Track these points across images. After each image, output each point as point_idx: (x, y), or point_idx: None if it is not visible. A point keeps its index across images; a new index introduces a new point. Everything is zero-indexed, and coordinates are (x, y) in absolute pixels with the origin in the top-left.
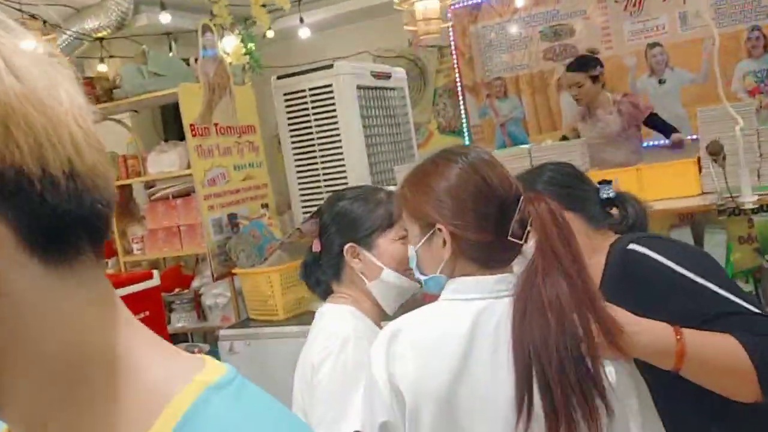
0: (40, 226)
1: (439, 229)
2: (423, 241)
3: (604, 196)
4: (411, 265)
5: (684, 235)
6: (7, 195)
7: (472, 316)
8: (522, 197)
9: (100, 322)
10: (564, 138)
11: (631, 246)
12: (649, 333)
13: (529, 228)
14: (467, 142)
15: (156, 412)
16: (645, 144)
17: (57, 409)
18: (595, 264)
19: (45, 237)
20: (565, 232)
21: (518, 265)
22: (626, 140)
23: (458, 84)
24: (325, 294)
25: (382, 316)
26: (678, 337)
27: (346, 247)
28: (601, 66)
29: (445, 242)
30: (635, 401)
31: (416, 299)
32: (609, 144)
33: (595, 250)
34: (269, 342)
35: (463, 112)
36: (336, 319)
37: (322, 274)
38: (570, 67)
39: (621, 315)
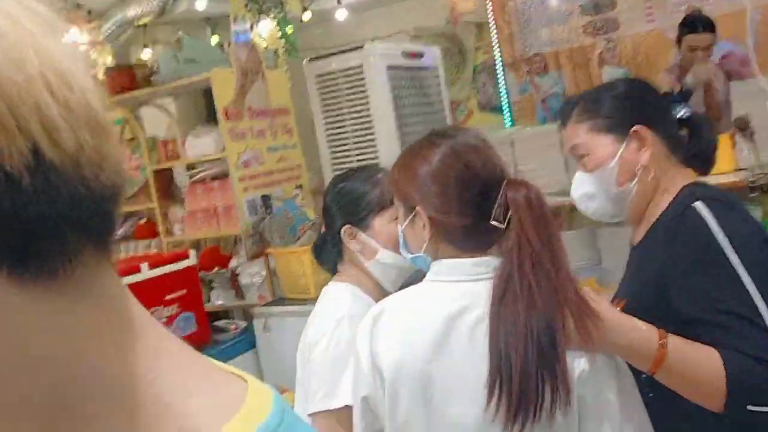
0: None
1: (419, 212)
2: (407, 221)
3: (679, 115)
4: (400, 244)
5: None
6: None
7: (452, 298)
8: (504, 182)
9: (103, 346)
10: None
11: (696, 204)
12: (631, 332)
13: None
14: (507, 119)
15: None
16: None
17: None
18: (662, 202)
19: (7, 246)
20: (542, 218)
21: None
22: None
23: (497, 60)
24: (334, 273)
25: (384, 295)
26: (661, 342)
27: (344, 228)
28: None
29: (425, 225)
30: (613, 396)
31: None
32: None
33: (670, 181)
34: (302, 320)
35: (502, 88)
36: (335, 298)
37: (328, 254)
38: (692, 28)
39: (604, 309)
